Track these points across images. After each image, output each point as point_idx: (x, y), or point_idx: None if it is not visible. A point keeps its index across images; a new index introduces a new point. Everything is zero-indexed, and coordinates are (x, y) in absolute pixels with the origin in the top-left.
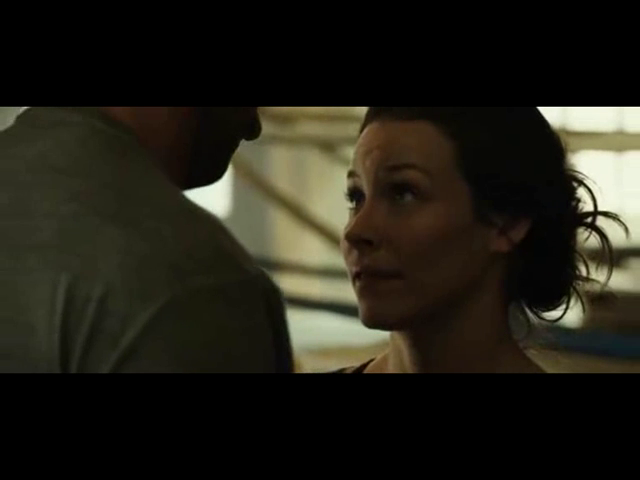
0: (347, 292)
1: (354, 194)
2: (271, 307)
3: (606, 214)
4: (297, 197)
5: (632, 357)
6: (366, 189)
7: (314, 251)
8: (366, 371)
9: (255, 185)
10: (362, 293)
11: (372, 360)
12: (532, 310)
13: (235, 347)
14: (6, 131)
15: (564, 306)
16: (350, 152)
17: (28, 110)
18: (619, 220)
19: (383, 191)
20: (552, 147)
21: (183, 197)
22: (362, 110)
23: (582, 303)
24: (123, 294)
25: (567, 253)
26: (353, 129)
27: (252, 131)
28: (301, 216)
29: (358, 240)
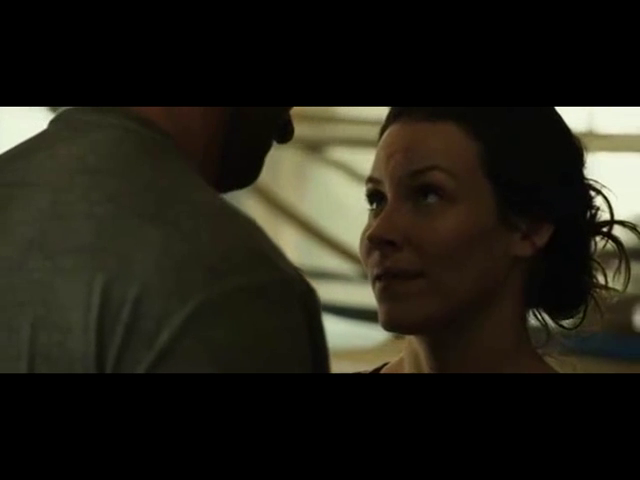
0: (321, 291)
1: (374, 196)
2: (307, 308)
3: (623, 223)
4: (277, 194)
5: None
6: (389, 192)
7: (292, 248)
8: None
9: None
10: (382, 295)
11: (386, 364)
12: (550, 317)
13: (272, 347)
14: (41, 134)
15: (581, 314)
16: (333, 153)
17: (61, 113)
18: (636, 230)
19: (407, 193)
20: (574, 154)
21: (220, 198)
22: (345, 111)
23: (600, 311)
24: (159, 295)
25: (586, 261)
26: (336, 130)
27: (285, 133)
28: (280, 211)
29: (380, 241)
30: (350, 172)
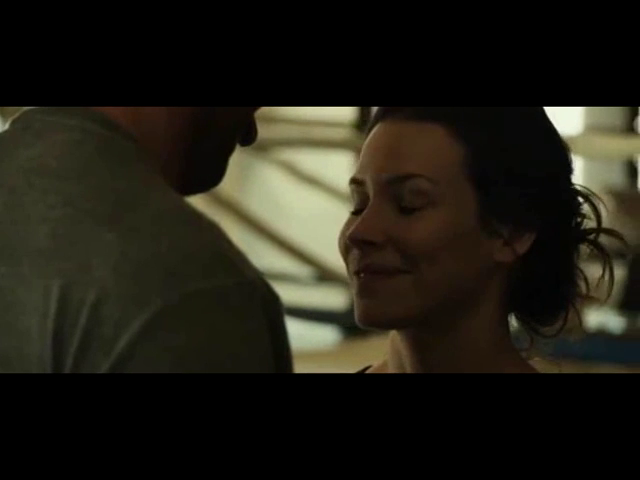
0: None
1: (357, 196)
2: (269, 313)
3: (609, 232)
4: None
5: (632, 363)
6: (371, 193)
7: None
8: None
9: None
10: (361, 291)
11: (368, 367)
12: (530, 324)
13: (233, 353)
14: (1, 135)
15: (561, 322)
16: (276, 153)
17: (22, 113)
18: (622, 239)
19: (389, 196)
20: (561, 160)
21: (181, 201)
22: (288, 111)
23: (579, 320)
24: (117, 300)
25: (568, 269)
26: (279, 130)
27: (249, 135)
28: (224, 209)
29: (361, 241)
30: (293, 172)
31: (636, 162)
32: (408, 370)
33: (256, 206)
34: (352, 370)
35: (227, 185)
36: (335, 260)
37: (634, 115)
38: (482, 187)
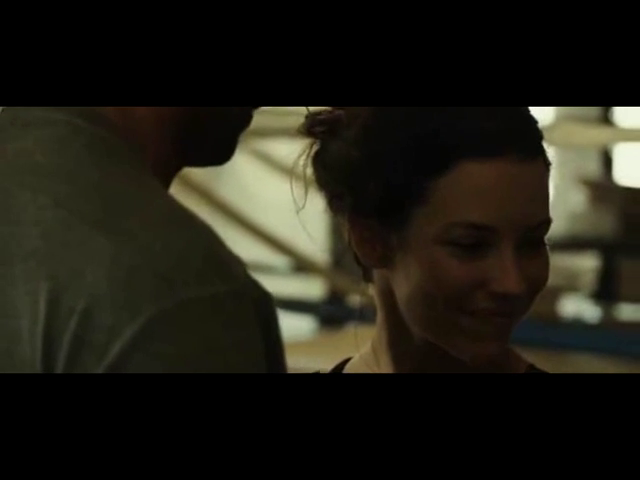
0: None
1: (475, 242)
2: (263, 316)
3: None
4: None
5: (608, 352)
6: (506, 241)
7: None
8: (348, 371)
9: None
10: (496, 333)
11: (348, 359)
12: None
13: (225, 360)
14: None
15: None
16: (250, 143)
17: (6, 110)
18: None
19: (522, 241)
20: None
21: (173, 202)
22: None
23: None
24: (109, 306)
25: None
26: (257, 120)
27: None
28: (200, 197)
29: (518, 296)
30: (268, 161)
31: (611, 152)
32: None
33: (231, 195)
34: (329, 360)
35: (202, 174)
36: (311, 250)
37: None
38: None
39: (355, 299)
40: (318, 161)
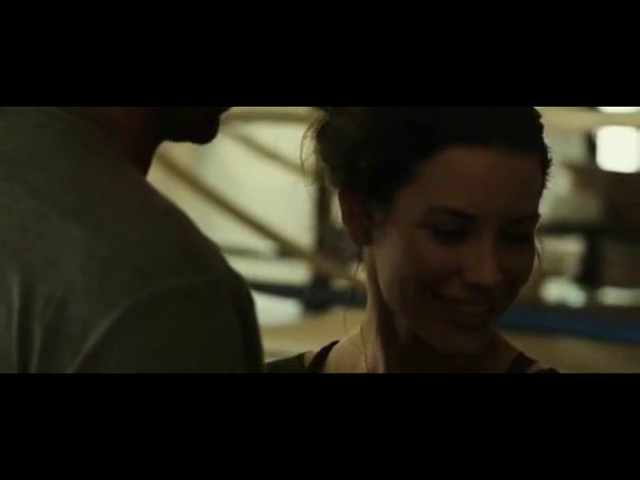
0: None
1: (451, 226)
2: (239, 306)
3: None
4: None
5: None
6: (486, 231)
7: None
8: (333, 356)
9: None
10: (470, 324)
11: (335, 342)
12: None
13: (203, 352)
14: None
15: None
16: (232, 127)
17: None
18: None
19: (505, 234)
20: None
21: (149, 192)
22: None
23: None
24: (85, 298)
25: None
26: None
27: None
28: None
29: (493, 288)
30: (251, 145)
31: (595, 137)
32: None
33: (214, 180)
34: (315, 344)
35: (184, 158)
36: (295, 234)
37: None
38: None
39: (340, 283)
40: (323, 133)
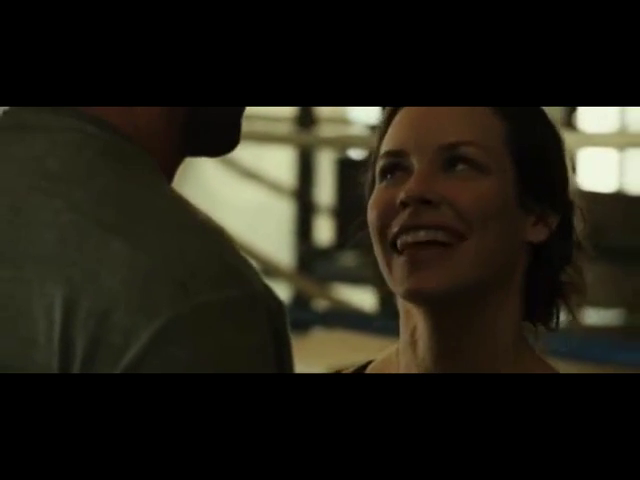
0: None
1: (393, 169)
2: (275, 324)
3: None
4: None
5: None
6: (418, 161)
7: None
8: (371, 371)
9: None
10: (416, 262)
11: (370, 362)
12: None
13: (238, 364)
14: None
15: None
16: None
17: (9, 112)
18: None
19: (439, 163)
20: (563, 145)
21: (186, 206)
22: None
23: (573, 315)
24: (127, 309)
25: (569, 262)
26: None
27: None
28: None
29: (419, 199)
30: (232, 166)
31: (575, 157)
32: (423, 354)
33: (195, 199)
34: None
35: None
36: (276, 254)
37: (572, 110)
38: (520, 164)
39: (321, 303)
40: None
